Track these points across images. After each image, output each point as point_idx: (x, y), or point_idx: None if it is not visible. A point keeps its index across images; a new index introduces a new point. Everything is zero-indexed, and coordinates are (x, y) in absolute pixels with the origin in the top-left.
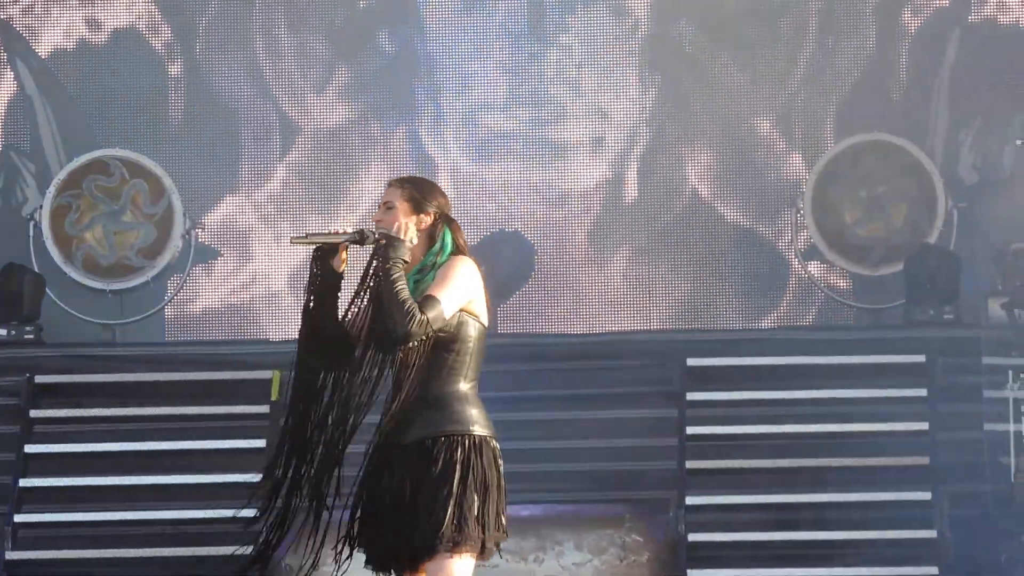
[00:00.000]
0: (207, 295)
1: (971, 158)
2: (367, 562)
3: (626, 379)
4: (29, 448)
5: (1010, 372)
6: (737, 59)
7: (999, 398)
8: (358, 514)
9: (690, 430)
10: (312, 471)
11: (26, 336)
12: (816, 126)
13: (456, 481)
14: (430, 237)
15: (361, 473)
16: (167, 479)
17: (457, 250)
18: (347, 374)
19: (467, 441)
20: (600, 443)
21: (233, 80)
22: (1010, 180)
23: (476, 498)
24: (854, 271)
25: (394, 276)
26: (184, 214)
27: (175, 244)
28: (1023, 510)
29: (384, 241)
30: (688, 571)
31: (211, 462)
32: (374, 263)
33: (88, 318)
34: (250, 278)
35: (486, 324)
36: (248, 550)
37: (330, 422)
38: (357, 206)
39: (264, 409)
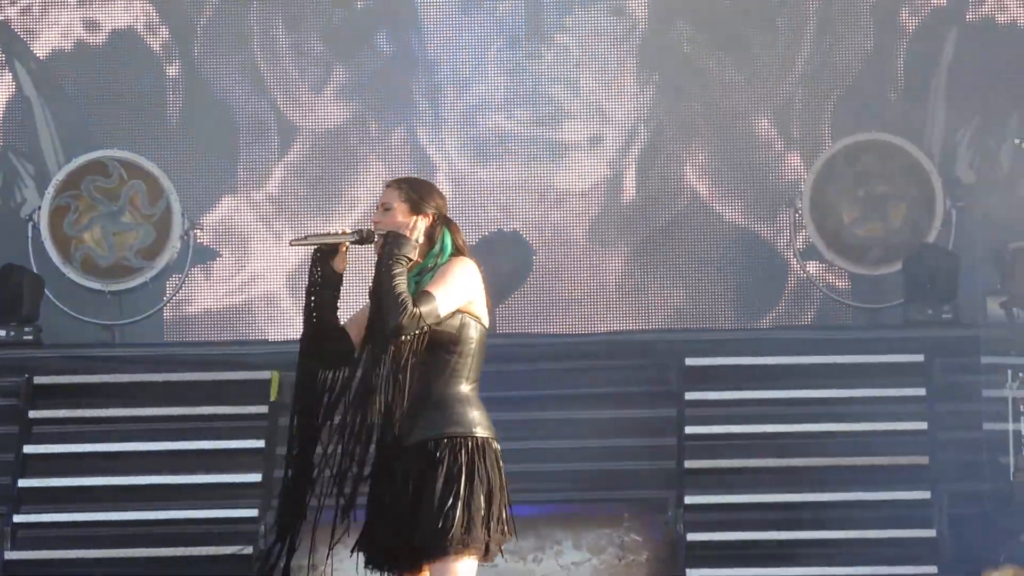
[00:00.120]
0: (206, 296)
1: (969, 157)
2: (367, 562)
3: (624, 379)
4: (28, 449)
5: (1009, 371)
6: (735, 59)
7: (998, 397)
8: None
9: (689, 429)
10: (330, 472)
11: (25, 337)
12: (814, 125)
13: (463, 483)
14: (429, 238)
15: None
16: (166, 479)
17: (457, 251)
18: (347, 373)
19: (470, 443)
20: (598, 443)
21: (231, 81)
22: (1008, 179)
23: (483, 500)
24: (853, 270)
25: (395, 271)
26: (183, 215)
27: (174, 245)
28: (1022, 509)
29: (390, 238)
30: (687, 570)
31: (210, 462)
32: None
33: (87, 319)
34: (249, 279)
35: (487, 325)
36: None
37: (338, 423)
38: (355, 206)
39: (263, 409)
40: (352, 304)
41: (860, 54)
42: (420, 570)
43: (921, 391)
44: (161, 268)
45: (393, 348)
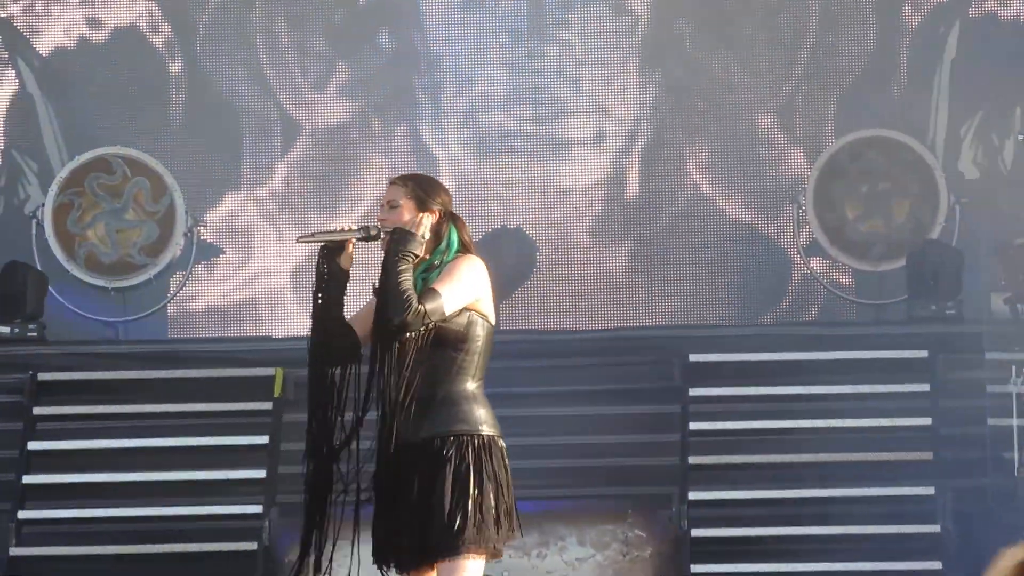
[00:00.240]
0: (209, 292)
1: (972, 153)
2: (375, 560)
3: (628, 375)
4: (32, 445)
5: (1013, 367)
6: (738, 55)
7: (1002, 393)
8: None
9: (692, 426)
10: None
11: (29, 334)
12: (817, 122)
13: (472, 483)
14: (435, 235)
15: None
16: (170, 475)
17: (463, 247)
18: (354, 370)
19: (477, 441)
20: (602, 439)
21: (234, 78)
22: (1012, 174)
23: (492, 499)
24: (856, 267)
25: (400, 268)
26: (186, 212)
27: (177, 242)
28: None
29: (396, 235)
30: (691, 566)
31: (214, 458)
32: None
33: (91, 315)
34: (252, 275)
35: (494, 323)
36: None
37: (353, 419)
38: (358, 203)
39: (267, 406)
40: (357, 300)
41: (863, 50)
42: (427, 569)
43: (925, 387)
44: (165, 265)
45: (398, 345)
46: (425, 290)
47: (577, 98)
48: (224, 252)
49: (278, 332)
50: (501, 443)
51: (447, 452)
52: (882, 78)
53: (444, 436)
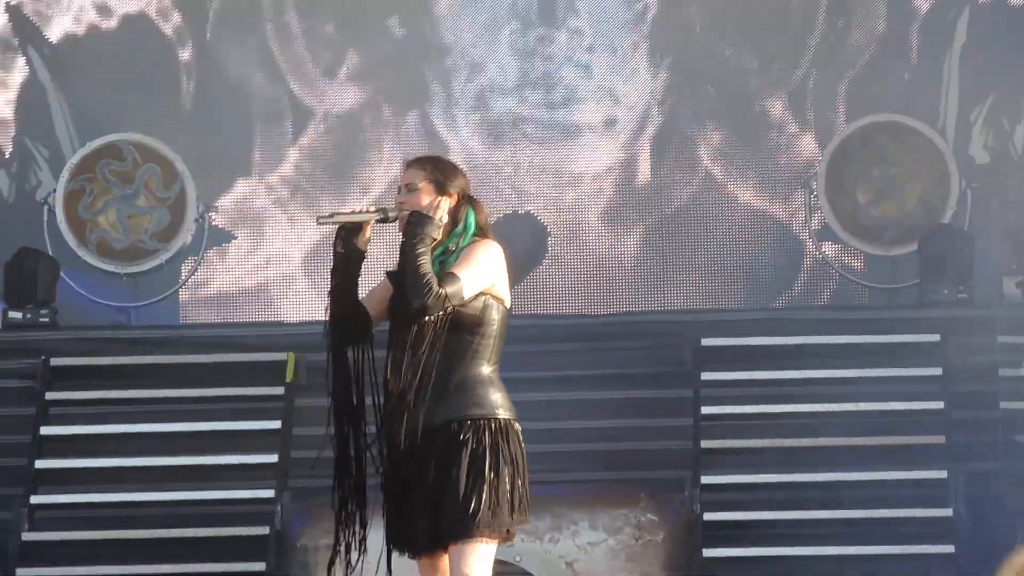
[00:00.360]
0: (221, 278)
1: (983, 138)
2: (388, 540)
3: (640, 359)
4: (45, 430)
5: None
6: (748, 40)
7: (1014, 376)
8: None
9: (705, 410)
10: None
11: (41, 319)
12: (828, 107)
13: (488, 466)
14: (453, 218)
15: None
16: (182, 460)
17: (480, 231)
18: (370, 352)
19: (494, 425)
20: (614, 423)
21: (244, 64)
22: (1022, 159)
23: (508, 483)
24: (868, 251)
25: (419, 250)
26: (197, 198)
27: (188, 227)
28: None
29: (414, 218)
30: (703, 550)
31: (226, 443)
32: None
33: (103, 301)
34: (264, 261)
35: (509, 306)
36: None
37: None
38: (369, 189)
39: (279, 391)
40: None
41: (873, 35)
42: (441, 552)
43: (937, 371)
44: (176, 250)
45: (417, 328)
46: (445, 274)
47: (588, 84)
48: (235, 238)
49: (290, 317)
50: (517, 426)
51: (464, 436)
52: (893, 63)
53: (461, 420)
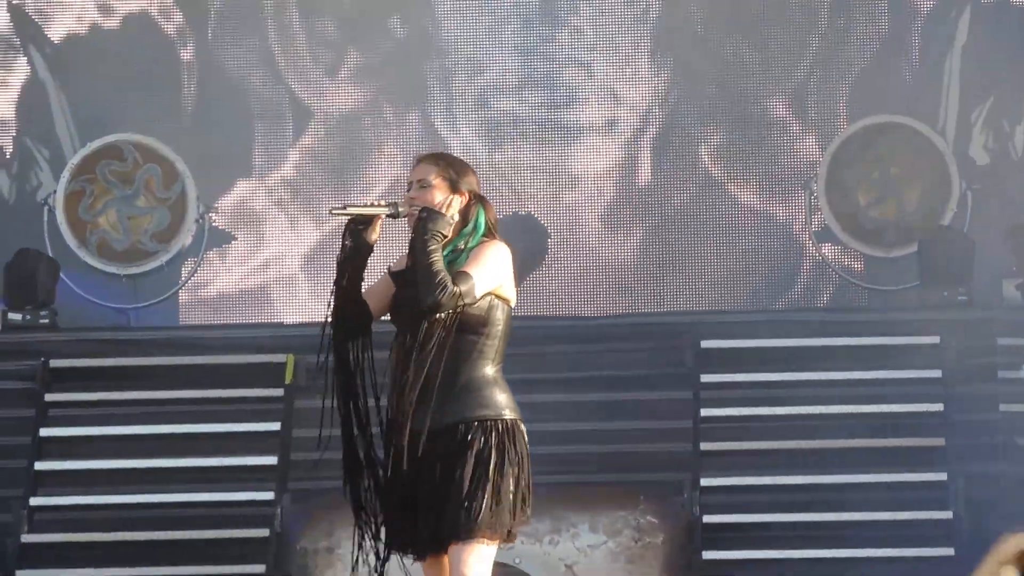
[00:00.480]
0: (221, 279)
1: (983, 139)
2: (389, 543)
3: (640, 361)
4: (44, 432)
5: None
6: (750, 41)
7: (1014, 378)
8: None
9: (704, 412)
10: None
11: (41, 320)
12: (829, 107)
13: (492, 467)
14: (463, 217)
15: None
16: (182, 462)
17: (489, 231)
18: (368, 348)
19: (501, 425)
20: (614, 425)
21: (245, 65)
22: (1022, 160)
23: (512, 484)
24: (868, 253)
25: (431, 247)
26: (198, 198)
27: (189, 228)
28: None
29: (425, 214)
30: (703, 552)
31: (226, 445)
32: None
33: (102, 302)
34: (264, 262)
35: (513, 307)
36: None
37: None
38: (370, 189)
39: (278, 392)
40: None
41: (875, 35)
42: (443, 554)
43: (937, 373)
44: (176, 252)
45: (426, 326)
46: (457, 272)
47: (588, 84)
48: (236, 239)
49: (290, 319)
50: (523, 427)
51: (471, 437)
52: (894, 64)
53: (468, 422)
